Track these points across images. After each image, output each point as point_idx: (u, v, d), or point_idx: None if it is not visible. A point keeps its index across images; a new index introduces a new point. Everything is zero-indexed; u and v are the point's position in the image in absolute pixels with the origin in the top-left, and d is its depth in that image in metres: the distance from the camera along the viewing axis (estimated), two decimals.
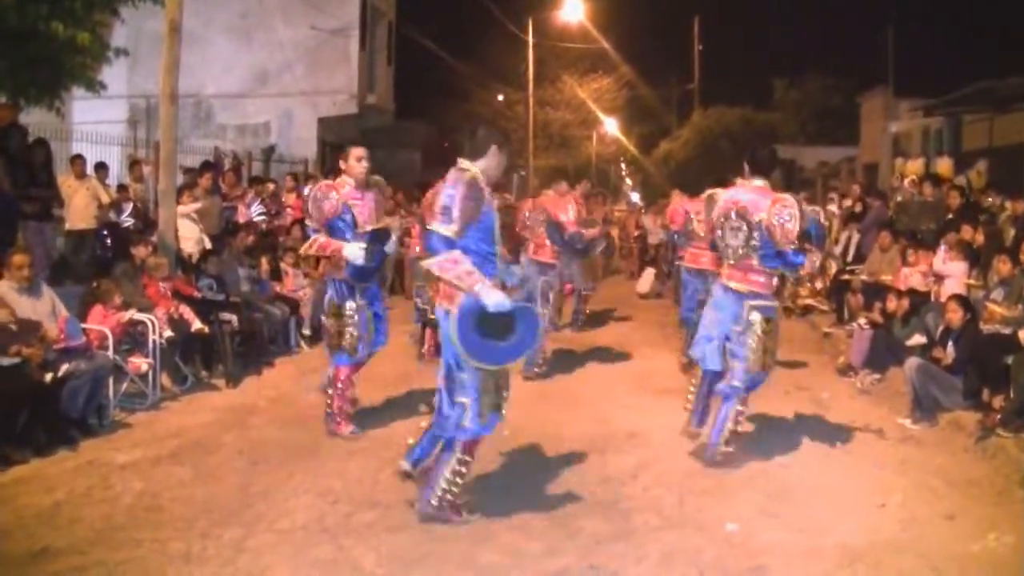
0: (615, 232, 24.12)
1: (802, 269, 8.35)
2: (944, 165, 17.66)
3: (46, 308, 8.41)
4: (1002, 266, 9.90)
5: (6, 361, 7.45)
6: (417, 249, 11.16)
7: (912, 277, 12.10)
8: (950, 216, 13.62)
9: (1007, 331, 9.02)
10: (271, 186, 16.46)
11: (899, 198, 16.56)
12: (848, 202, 17.72)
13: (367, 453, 7.61)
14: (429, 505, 6.08)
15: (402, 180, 24.63)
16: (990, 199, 14.51)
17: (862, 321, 11.67)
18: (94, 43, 11.33)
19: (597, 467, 7.27)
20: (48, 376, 7.61)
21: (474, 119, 40.38)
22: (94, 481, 6.90)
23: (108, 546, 5.69)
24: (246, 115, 24.42)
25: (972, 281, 11.03)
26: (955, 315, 9.21)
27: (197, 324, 10.12)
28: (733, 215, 7.52)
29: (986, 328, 9.28)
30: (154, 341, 9.44)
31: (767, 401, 9.43)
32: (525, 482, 6.88)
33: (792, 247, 7.15)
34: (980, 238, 11.56)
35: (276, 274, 12.78)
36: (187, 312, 10.13)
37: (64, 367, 7.83)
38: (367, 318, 8.15)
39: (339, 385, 8.17)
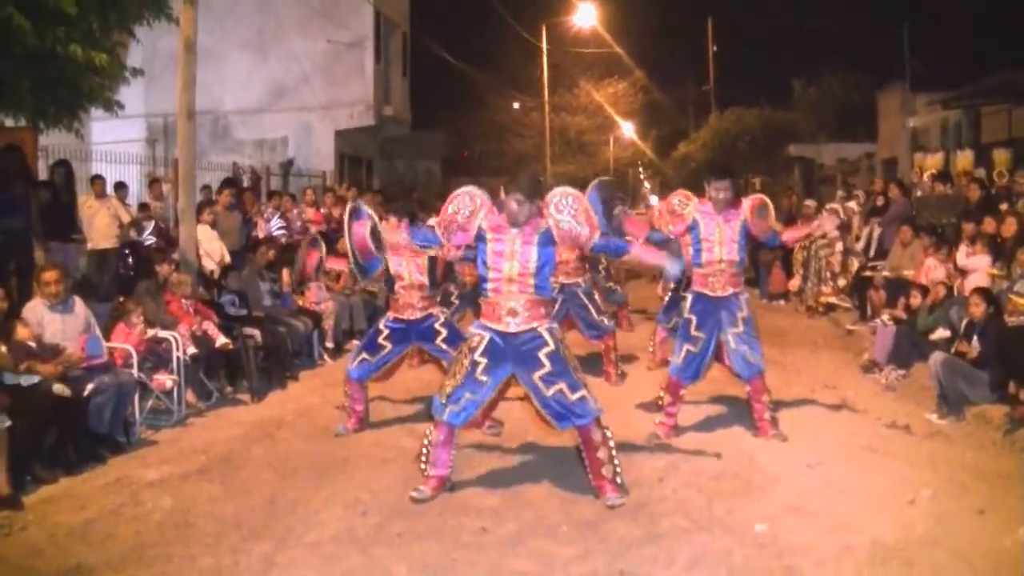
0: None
1: None
2: (964, 158, 17.57)
3: (78, 325, 8.46)
4: None
5: (25, 380, 7.48)
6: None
7: (937, 270, 12.03)
8: (970, 209, 13.53)
9: None
10: (288, 200, 16.48)
11: (919, 193, 16.50)
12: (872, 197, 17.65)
13: (395, 463, 7.63)
14: (620, 490, 6.61)
15: (423, 190, 24.73)
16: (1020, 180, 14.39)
17: (885, 317, 11.62)
18: (111, 64, 11.38)
19: (624, 470, 7.23)
20: (68, 391, 7.61)
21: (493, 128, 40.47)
22: (124, 498, 6.94)
23: (140, 563, 5.73)
24: (263, 130, 24.49)
25: (995, 271, 10.96)
26: (978, 308, 9.17)
27: (221, 340, 10.18)
28: None
29: (1010, 321, 9.23)
30: (178, 358, 9.50)
31: (793, 401, 9.42)
32: (552, 487, 6.88)
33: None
34: (1011, 228, 11.44)
35: (298, 287, 12.82)
36: (211, 328, 10.19)
37: (89, 386, 7.88)
38: (376, 341, 8.64)
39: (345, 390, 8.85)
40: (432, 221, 8.24)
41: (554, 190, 6.69)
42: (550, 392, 6.46)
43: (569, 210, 6.51)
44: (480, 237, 6.57)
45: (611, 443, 6.61)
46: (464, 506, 6.56)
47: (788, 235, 8.80)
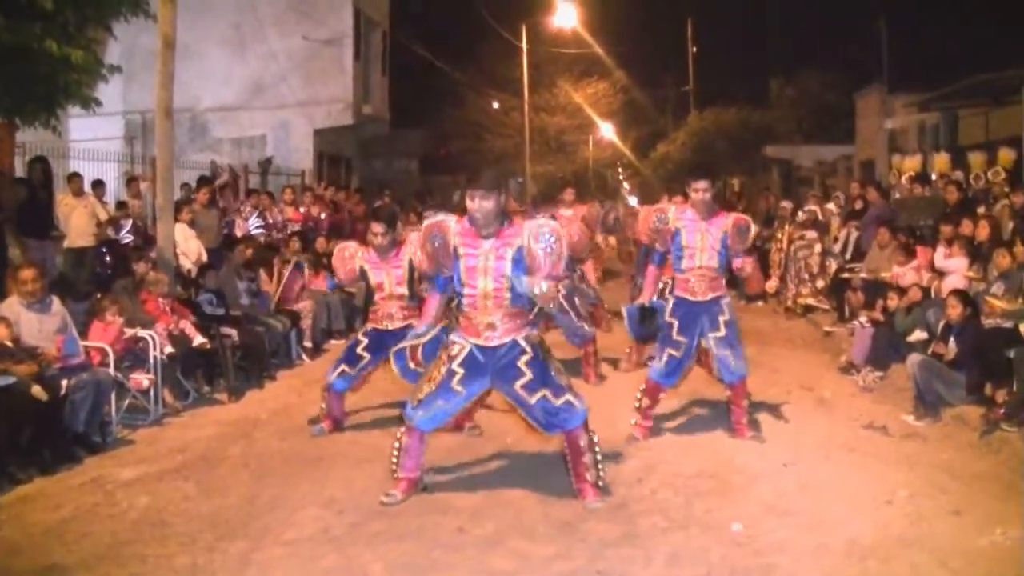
0: (613, 239, 24.02)
1: None
2: (941, 160, 17.64)
3: (55, 324, 8.39)
4: (1001, 260, 9.89)
5: (0, 380, 7.42)
6: None
7: (905, 276, 12.07)
8: (948, 211, 13.61)
9: (1008, 325, 9.02)
10: (267, 198, 16.42)
11: (897, 195, 16.57)
12: (844, 199, 17.74)
13: (372, 463, 7.61)
14: (601, 493, 6.60)
15: (400, 189, 24.68)
16: (1000, 177, 14.44)
17: (863, 319, 11.66)
18: (88, 60, 11.30)
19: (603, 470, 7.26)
20: (45, 395, 7.56)
21: (472, 127, 40.48)
22: (99, 498, 6.90)
23: (116, 562, 5.70)
24: (242, 128, 24.41)
25: (972, 274, 11.02)
26: (955, 310, 9.21)
27: (198, 339, 10.13)
28: None
29: (987, 322, 9.28)
30: (155, 357, 9.45)
31: (770, 401, 9.45)
32: (531, 487, 6.86)
33: None
34: (985, 231, 11.50)
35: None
36: (188, 327, 10.14)
37: (65, 383, 7.84)
38: (355, 352, 8.62)
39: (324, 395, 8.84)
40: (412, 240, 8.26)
41: (537, 221, 6.51)
42: (534, 400, 6.36)
43: (547, 245, 6.30)
44: (455, 254, 6.43)
45: (597, 448, 6.59)
46: (442, 506, 6.55)
47: (744, 268, 8.56)
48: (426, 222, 6.72)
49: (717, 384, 8.50)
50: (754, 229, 8.36)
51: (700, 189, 7.97)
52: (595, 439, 6.60)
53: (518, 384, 6.41)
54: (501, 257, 6.33)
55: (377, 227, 8.48)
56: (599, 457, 6.61)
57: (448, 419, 6.75)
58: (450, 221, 6.51)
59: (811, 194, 20.19)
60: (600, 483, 6.60)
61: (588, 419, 6.55)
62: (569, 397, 6.41)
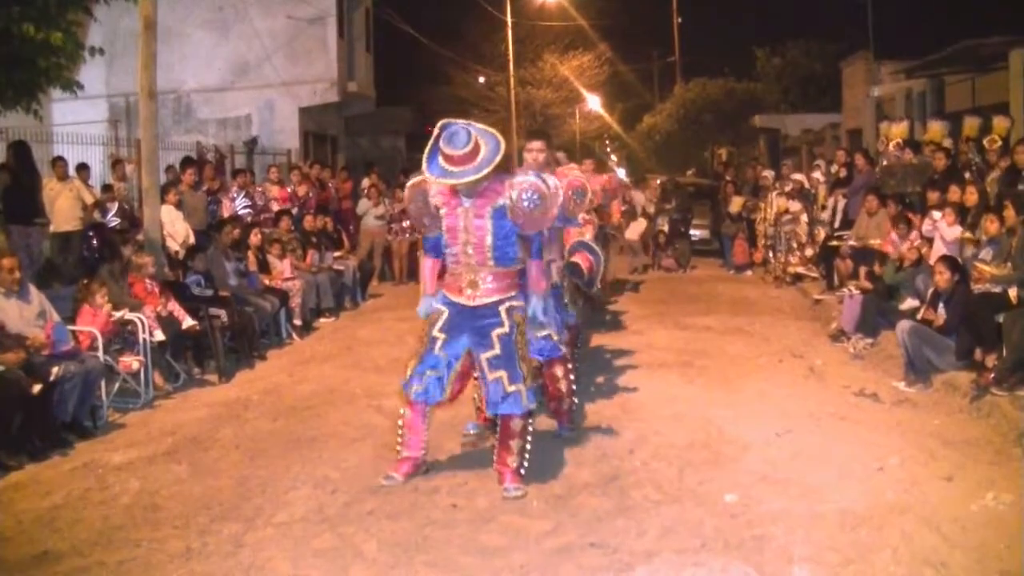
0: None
1: None
2: (934, 128, 17.58)
3: (34, 312, 8.34)
4: (990, 225, 9.88)
5: None
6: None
7: (902, 246, 12.05)
8: (935, 178, 13.57)
9: (997, 290, 9.02)
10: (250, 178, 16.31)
11: (884, 162, 16.54)
12: (834, 168, 17.69)
13: (364, 442, 7.60)
14: (520, 481, 6.40)
15: (387, 166, 24.61)
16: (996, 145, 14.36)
17: (852, 287, 11.67)
18: (68, 43, 11.18)
19: (594, 443, 7.27)
20: (36, 387, 7.53)
21: (458, 103, 40.31)
22: (91, 483, 6.87)
23: (108, 547, 5.67)
24: (227, 108, 24.28)
25: (968, 235, 10.96)
26: (943, 276, 9.21)
27: (188, 321, 10.09)
28: None
29: (976, 288, 9.28)
30: (144, 340, 9.41)
31: (761, 370, 9.46)
32: None
33: None
34: (972, 198, 11.45)
35: (264, 266, 12.73)
36: (176, 309, 10.10)
37: (54, 371, 7.79)
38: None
39: None
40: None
41: (521, 177, 6.49)
42: (491, 377, 6.37)
43: (530, 202, 6.32)
44: (436, 213, 6.51)
45: (528, 439, 6.52)
46: (434, 483, 6.54)
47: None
48: (408, 183, 6.78)
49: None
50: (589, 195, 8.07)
51: (534, 150, 7.69)
52: (531, 430, 6.56)
53: (485, 356, 6.41)
54: (480, 215, 6.37)
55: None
56: (528, 448, 6.51)
57: (444, 387, 6.54)
58: (428, 183, 6.54)
59: (784, 164, 20.08)
60: (521, 471, 6.46)
61: (530, 413, 6.54)
62: (521, 387, 6.36)
